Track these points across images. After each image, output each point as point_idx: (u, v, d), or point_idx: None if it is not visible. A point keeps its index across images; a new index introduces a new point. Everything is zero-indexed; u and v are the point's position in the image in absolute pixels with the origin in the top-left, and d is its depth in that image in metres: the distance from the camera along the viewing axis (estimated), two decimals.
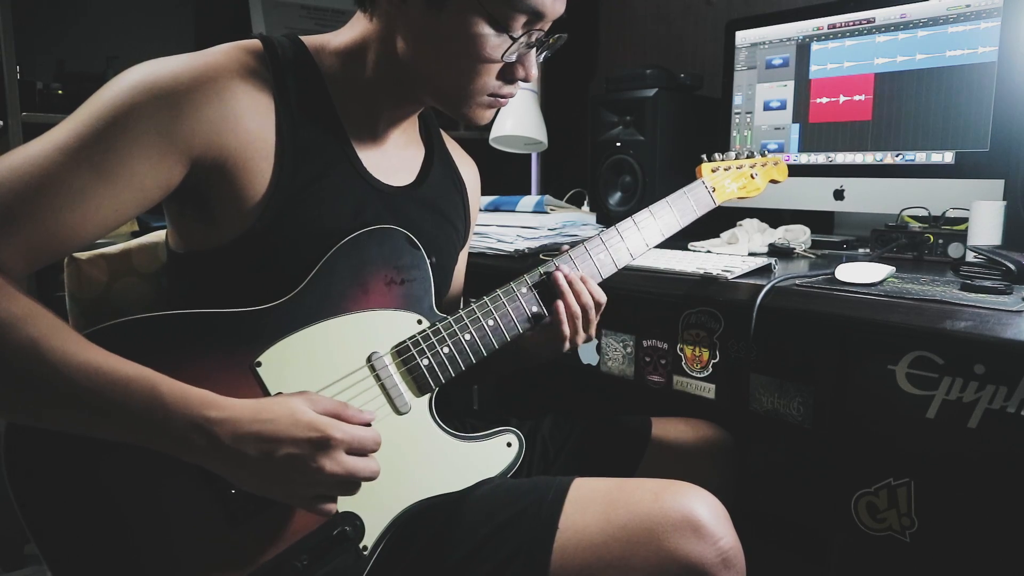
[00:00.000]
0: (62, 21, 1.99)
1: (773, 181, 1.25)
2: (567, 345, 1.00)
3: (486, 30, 0.85)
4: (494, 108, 0.94)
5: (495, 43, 0.86)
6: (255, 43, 0.89)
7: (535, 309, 0.97)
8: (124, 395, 0.71)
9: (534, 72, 0.92)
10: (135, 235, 1.15)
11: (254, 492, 0.77)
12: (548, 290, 0.99)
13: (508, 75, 0.91)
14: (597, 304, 1.01)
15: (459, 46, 0.86)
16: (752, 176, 1.20)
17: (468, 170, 1.15)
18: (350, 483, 0.79)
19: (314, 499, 0.78)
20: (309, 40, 0.94)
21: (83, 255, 1.04)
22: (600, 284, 1.03)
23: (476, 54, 0.86)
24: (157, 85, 0.78)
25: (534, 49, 0.91)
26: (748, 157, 1.22)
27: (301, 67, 0.91)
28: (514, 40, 0.86)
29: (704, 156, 1.17)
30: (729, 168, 1.18)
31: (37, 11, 1.94)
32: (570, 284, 0.98)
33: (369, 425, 0.81)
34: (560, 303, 0.97)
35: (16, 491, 0.76)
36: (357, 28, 0.93)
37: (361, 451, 0.79)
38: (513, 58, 0.89)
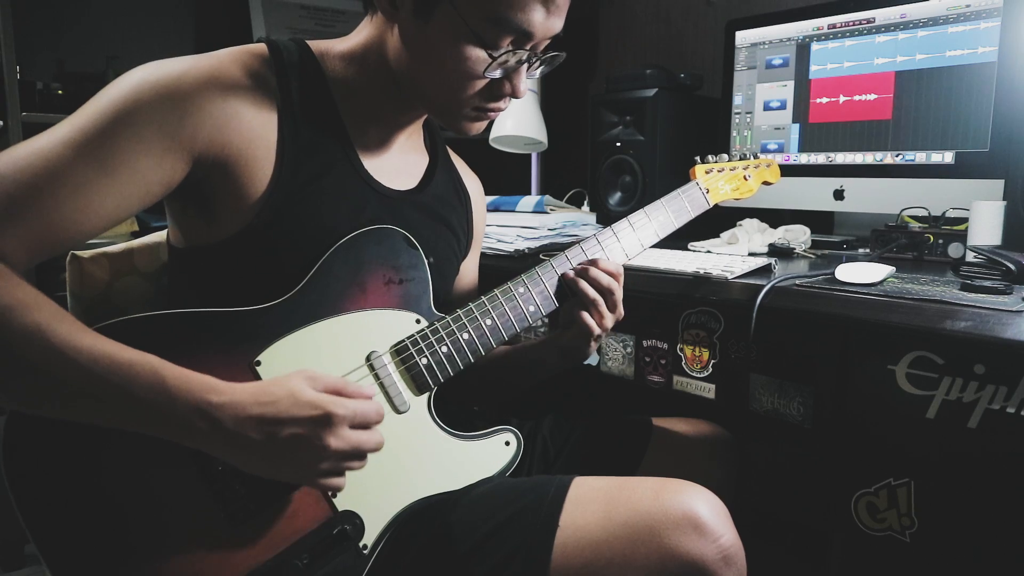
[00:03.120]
0: (62, 21, 1.99)
1: (766, 183, 1.26)
2: (595, 329, 1.00)
3: (469, 45, 0.84)
4: (483, 121, 0.94)
5: (478, 59, 0.85)
6: (260, 47, 0.90)
7: (532, 308, 0.97)
8: (127, 380, 0.71)
9: (522, 89, 0.90)
10: (136, 235, 1.15)
11: (261, 475, 0.77)
12: (561, 291, 0.99)
13: (495, 90, 0.90)
14: (614, 275, 1.00)
15: (443, 59, 0.86)
16: (745, 178, 1.21)
17: (473, 185, 1.16)
18: (357, 455, 0.78)
19: (322, 475, 0.78)
20: (315, 44, 0.94)
21: (85, 254, 1.05)
22: None
23: (458, 68, 0.86)
24: (162, 84, 0.79)
25: (524, 66, 0.89)
26: (741, 159, 1.23)
27: (305, 70, 0.91)
28: (494, 58, 0.85)
29: (697, 158, 1.18)
30: (723, 170, 1.19)
31: (37, 11, 1.94)
32: (582, 272, 0.98)
33: (371, 399, 0.81)
34: (579, 293, 0.98)
35: (15, 489, 0.76)
36: (362, 33, 0.94)
37: (364, 424, 0.79)
38: (497, 74, 0.88)
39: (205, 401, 0.73)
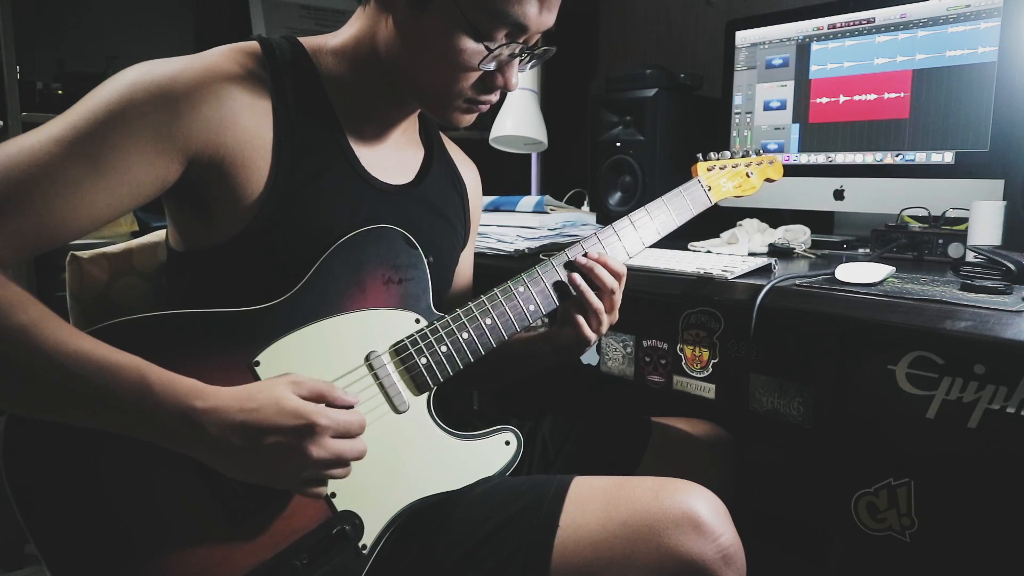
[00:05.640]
0: (62, 21, 1.99)
1: (768, 180, 1.25)
2: (592, 337, 1.00)
3: (464, 37, 0.84)
4: (474, 113, 0.94)
5: (473, 51, 0.85)
6: (253, 45, 0.90)
7: (532, 308, 0.97)
8: (112, 383, 0.72)
9: (514, 82, 0.91)
10: (135, 235, 1.15)
11: (242, 480, 0.78)
12: (561, 288, 0.99)
13: (488, 83, 0.90)
14: (617, 276, 0.99)
15: (437, 50, 0.86)
16: (748, 175, 1.20)
17: (469, 172, 1.15)
18: (339, 464, 0.79)
19: (304, 482, 0.79)
20: (307, 41, 0.94)
21: (84, 254, 1.05)
22: None
23: (453, 60, 0.86)
24: (155, 84, 0.79)
25: (516, 59, 0.90)
26: (743, 156, 1.22)
27: (299, 68, 0.91)
28: (490, 50, 0.85)
29: (699, 155, 1.17)
30: (724, 167, 1.18)
31: (37, 11, 1.94)
32: (587, 276, 0.97)
33: (352, 407, 0.82)
34: (580, 302, 0.97)
35: (14, 489, 0.76)
36: (353, 27, 0.94)
37: (347, 435, 0.79)
38: (491, 67, 0.88)
39: (189, 407, 0.73)
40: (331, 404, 0.80)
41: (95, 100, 0.78)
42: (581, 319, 0.99)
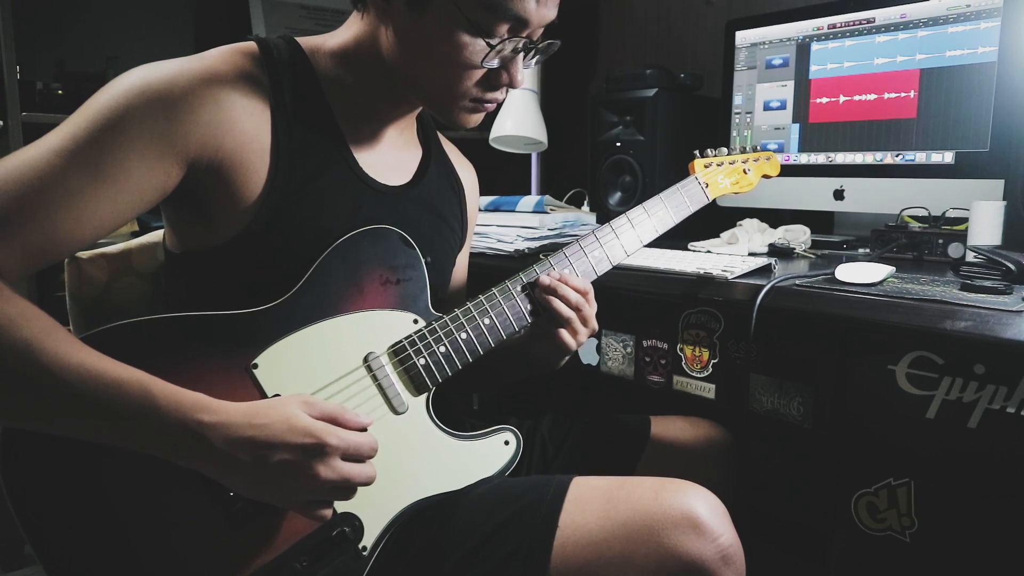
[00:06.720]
0: (62, 21, 1.99)
1: (765, 176, 1.25)
2: (572, 346, 0.99)
3: (465, 35, 0.84)
4: (481, 113, 0.93)
5: (475, 49, 0.85)
6: (250, 45, 0.89)
7: (530, 307, 0.97)
8: (117, 398, 0.71)
9: (520, 79, 0.90)
10: (135, 235, 1.15)
11: (248, 496, 0.77)
12: (536, 302, 0.98)
13: (493, 81, 0.89)
14: (582, 293, 0.98)
15: (439, 50, 0.85)
16: (745, 171, 1.20)
17: (466, 173, 1.15)
18: (346, 489, 0.78)
19: (309, 504, 0.78)
20: (304, 41, 0.94)
21: (84, 254, 1.05)
22: (596, 282, 1.02)
23: (455, 59, 0.85)
24: (152, 88, 0.78)
25: (520, 55, 0.89)
26: (741, 152, 1.22)
27: (296, 68, 0.91)
28: (492, 47, 0.85)
29: (697, 152, 1.17)
30: (722, 163, 1.18)
31: (37, 11, 1.94)
32: (552, 291, 0.96)
33: (366, 430, 0.81)
34: (551, 311, 0.96)
35: (11, 493, 0.76)
36: (352, 29, 0.93)
37: (357, 457, 0.78)
38: (495, 64, 0.87)
39: (195, 420, 0.73)
40: (343, 427, 0.78)
41: (93, 108, 0.77)
42: (562, 332, 0.97)
